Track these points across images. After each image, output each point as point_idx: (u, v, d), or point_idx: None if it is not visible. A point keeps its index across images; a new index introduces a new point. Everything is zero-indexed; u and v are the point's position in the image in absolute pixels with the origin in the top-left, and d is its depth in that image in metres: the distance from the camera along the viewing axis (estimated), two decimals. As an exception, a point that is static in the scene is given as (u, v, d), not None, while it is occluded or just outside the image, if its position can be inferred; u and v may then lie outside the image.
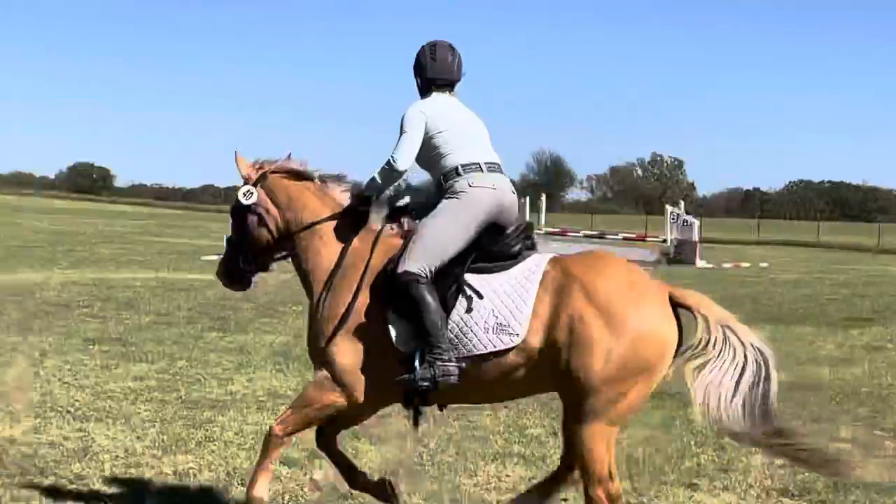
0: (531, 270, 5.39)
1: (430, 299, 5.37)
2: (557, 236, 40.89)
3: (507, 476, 7.09)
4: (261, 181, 5.95)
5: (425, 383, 5.31)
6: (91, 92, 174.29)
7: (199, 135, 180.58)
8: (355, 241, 5.73)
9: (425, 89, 5.92)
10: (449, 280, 5.44)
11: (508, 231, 5.64)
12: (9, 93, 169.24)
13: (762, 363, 5.23)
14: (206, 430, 7.90)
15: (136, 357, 10.72)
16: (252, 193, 5.92)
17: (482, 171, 5.72)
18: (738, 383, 5.21)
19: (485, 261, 5.51)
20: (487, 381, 5.39)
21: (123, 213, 62.28)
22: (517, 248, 5.57)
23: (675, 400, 8.22)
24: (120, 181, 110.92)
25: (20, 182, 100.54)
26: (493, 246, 5.55)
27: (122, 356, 10.73)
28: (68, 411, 8.29)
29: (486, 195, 5.65)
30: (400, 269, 5.42)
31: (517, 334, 5.25)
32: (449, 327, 5.36)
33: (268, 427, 5.86)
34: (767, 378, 5.22)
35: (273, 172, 5.95)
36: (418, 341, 5.35)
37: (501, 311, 5.31)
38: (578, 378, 5.14)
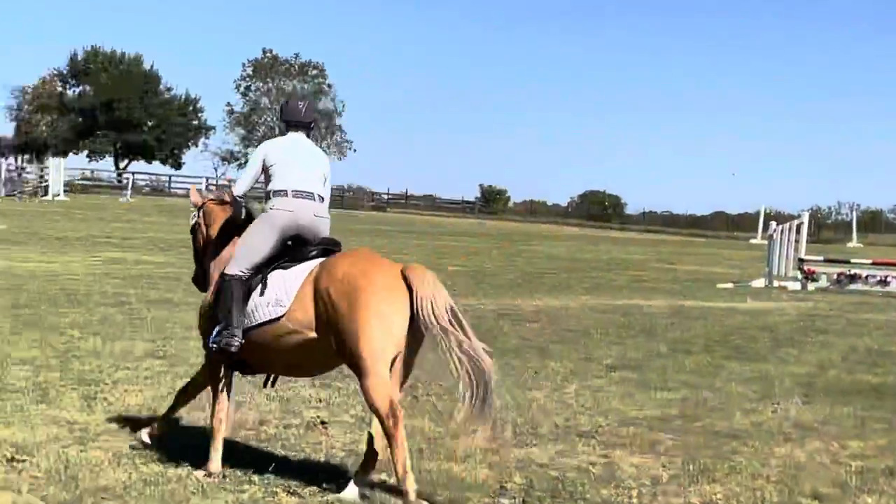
0: (310, 266, 6.90)
1: (236, 293, 7.01)
2: None
3: None
4: (202, 208, 7.82)
5: (214, 346, 7.02)
6: (600, 120, 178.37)
7: (709, 161, 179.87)
8: (229, 244, 7.46)
9: (284, 129, 7.71)
10: (258, 274, 7.03)
11: (310, 242, 7.23)
12: (537, 124, 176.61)
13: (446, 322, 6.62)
14: (732, 461, 7.68)
15: (657, 385, 10.64)
16: (194, 217, 7.88)
17: (287, 196, 7.24)
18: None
19: (291, 260, 7.05)
20: (274, 346, 6.84)
21: (634, 240, 63.12)
22: (313, 254, 7.09)
23: None
24: (630, 208, 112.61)
25: (533, 210, 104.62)
26: (297, 252, 7.15)
27: (641, 383, 10.70)
28: (592, 436, 8.34)
29: (281, 216, 7.20)
30: (226, 271, 7.13)
31: (284, 306, 6.78)
32: (249, 305, 6.97)
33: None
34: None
35: (210, 201, 7.80)
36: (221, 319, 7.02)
37: (280, 292, 6.86)
38: (337, 336, 6.53)
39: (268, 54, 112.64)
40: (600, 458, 7.69)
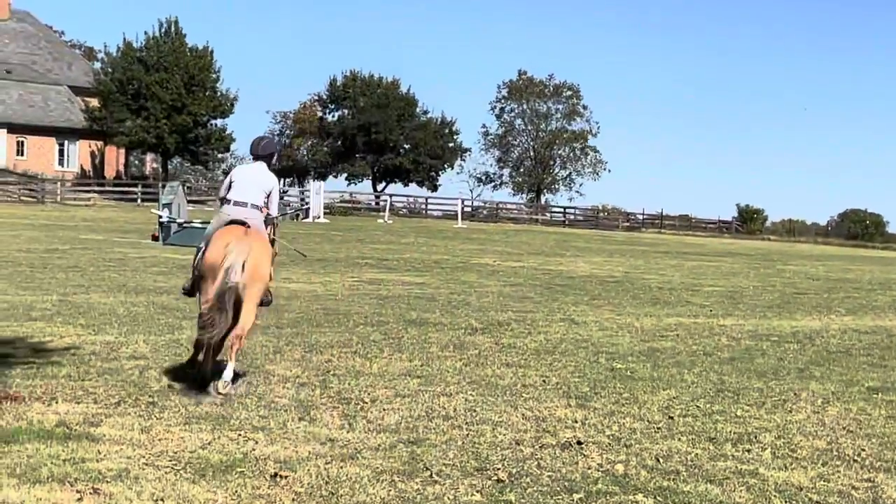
0: None
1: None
2: None
3: None
4: None
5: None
6: (860, 137, 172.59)
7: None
8: None
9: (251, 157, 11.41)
10: None
11: None
12: (794, 143, 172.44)
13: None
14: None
15: None
16: None
17: (229, 204, 10.70)
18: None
19: None
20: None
21: (898, 259, 60.65)
22: None
23: None
24: (893, 227, 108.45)
25: (791, 230, 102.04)
26: None
27: (907, 406, 10.35)
28: (855, 460, 8.14)
29: (221, 217, 10.71)
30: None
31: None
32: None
33: None
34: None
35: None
36: None
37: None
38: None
39: (523, 76, 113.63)
40: (863, 483, 7.51)
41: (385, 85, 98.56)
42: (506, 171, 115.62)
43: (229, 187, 10.84)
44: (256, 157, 11.17)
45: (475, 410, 9.43)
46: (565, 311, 19.07)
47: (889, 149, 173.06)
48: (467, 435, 8.44)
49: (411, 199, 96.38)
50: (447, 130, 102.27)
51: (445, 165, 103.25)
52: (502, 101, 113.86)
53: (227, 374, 9.79)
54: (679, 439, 8.59)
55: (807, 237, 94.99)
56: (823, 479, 7.59)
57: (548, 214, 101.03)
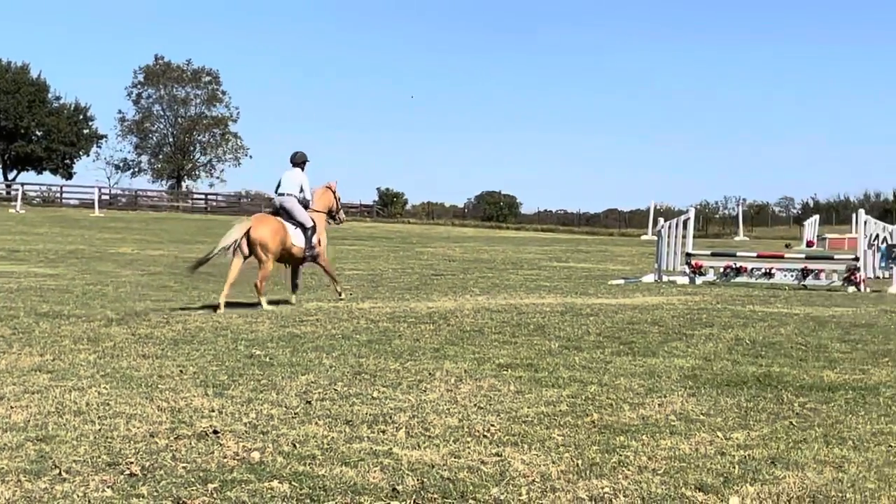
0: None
1: None
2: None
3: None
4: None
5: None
6: (497, 122, 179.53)
7: (601, 160, 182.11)
8: None
9: (290, 165, 18.65)
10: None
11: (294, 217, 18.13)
12: (432, 127, 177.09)
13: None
14: (620, 455, 7.83)
15: (548, 382, 10.80)
16: None
17: (278, 195, 18.32)
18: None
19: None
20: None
21: (531, 239, 63.59)
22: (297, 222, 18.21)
23: None
24: (526, 208, 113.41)
25: (430, 212, 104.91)
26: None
27: (533, 381, 10.85)
28: (484, 436, 8.44)
29: (275, 201, 18.40)
30: None
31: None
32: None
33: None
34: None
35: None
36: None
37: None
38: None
39: (160, 61, 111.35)
40: (492, 457, 7.77)
41: (14, 70, 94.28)
42: (144, 158, 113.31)
43: (279, 185, 18.37)
44: (293, 164, 18.54)
45: (109, 404, 9.17)
46: (205, 298, 18.88)
47: (521, 132, 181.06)
48: (100, 429, 8.19)
49: (45, 188, 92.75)
50: (81, 116, 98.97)
51: (81, 153, 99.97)
52: (139, 86, 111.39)
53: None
54: (316, 423, 8.65)
55: (445, 219, 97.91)
56: (455, 455, 7.81)
57: (189, 201, 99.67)
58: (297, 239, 17.92)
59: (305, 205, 18.33)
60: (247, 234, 17.21)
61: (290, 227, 17.86)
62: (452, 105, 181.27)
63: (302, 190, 18.26)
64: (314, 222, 18.34)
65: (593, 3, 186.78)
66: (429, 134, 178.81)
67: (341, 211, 19.82)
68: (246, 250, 17.28)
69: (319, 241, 18.45)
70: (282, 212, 18.14)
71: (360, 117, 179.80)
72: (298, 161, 18.45)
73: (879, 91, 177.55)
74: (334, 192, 19.44)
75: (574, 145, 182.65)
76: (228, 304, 16.94)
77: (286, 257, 18.11)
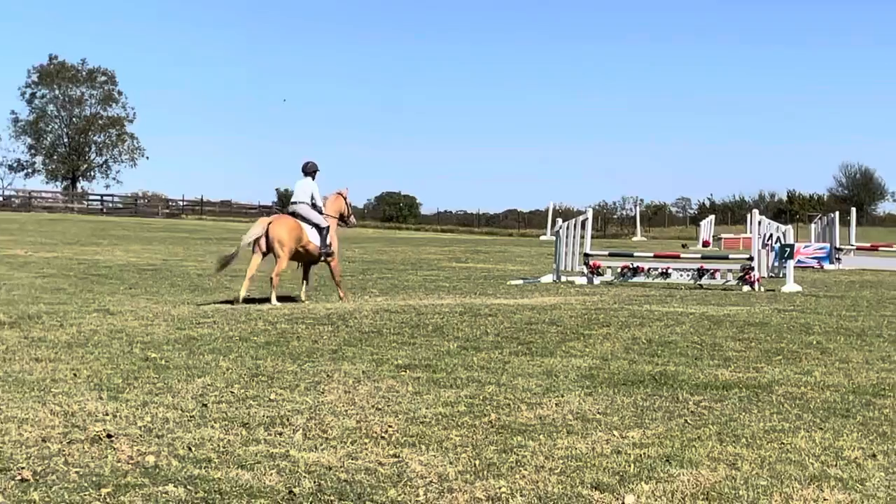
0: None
1: None
2: (867, 251, 39.36)
3: (825, 500, 6.75)
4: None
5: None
6: (398, 123, 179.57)
7: (499, 163, 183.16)
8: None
9: (302, 174, 20.10)
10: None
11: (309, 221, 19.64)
12: (337, 126, 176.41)
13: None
14: (517, 455, 7.88)
15: (446, 383, 10.82)
16: None
17: (291, 203, 20.07)
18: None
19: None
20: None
21: (430, 240, 63.66)
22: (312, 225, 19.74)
23: None
24: (426, 209, 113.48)
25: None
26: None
27: (431, 382, 10.86)
28: (382, 437, 8.44)
29: (288, 209, 19.97)
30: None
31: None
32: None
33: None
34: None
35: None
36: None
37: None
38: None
39: (54, 60, 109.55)
40: (390, 458, 7.78)
41: None
42: (39, 159, 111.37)
43: (292, 194, 20.18)
44: (304, 173, 19.97)
45: (0, 408, 9.00)
46: (100, 301, 18.61)
47: (422, 133, 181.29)
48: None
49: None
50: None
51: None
52: (33, 86, 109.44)
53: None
54: (212, 426, 8.57)
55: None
56: (352, 457, 7.80)
57: (85, 203, 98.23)
58: (313, 237, 19.50)
59: (318, 211, 19.85)
60: (266, 231, 18.90)
61: (306, 226, 19.42)
62: (351, 105, 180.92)
63: (313, 198, 19.75)
64: (328, 224, 19.91)
65: (477, 15, 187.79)
66: (329, 132, 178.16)
67: (352, 216, 21.22)
68: (264, 247, 18.95)
69: (331, 243, 19.99)
70: (297, 218, 19.62)
71: (260, 119, 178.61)
72: (310, 170, 19.93)
73: (775, 92, 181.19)
74: (345, 199, 20.90)
75: (474, 146, 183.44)
76: (247, 301, 18.86)
77: (302, 255, 19.66)
